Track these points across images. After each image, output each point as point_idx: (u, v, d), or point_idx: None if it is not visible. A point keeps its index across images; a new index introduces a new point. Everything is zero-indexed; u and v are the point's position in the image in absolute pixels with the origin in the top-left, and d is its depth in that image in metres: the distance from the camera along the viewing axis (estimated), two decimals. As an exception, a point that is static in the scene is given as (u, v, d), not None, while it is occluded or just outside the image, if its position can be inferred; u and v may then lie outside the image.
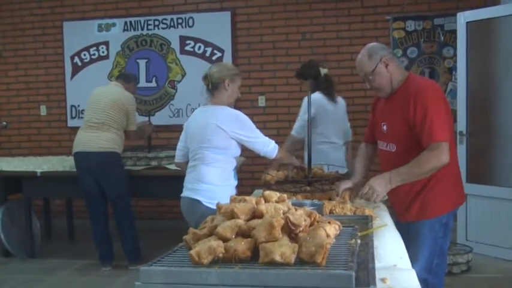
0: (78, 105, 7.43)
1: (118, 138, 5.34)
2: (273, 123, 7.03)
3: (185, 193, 3.54)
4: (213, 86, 3.49)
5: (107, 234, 5.47)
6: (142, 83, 7.14)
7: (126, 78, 5.66)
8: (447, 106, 3.02)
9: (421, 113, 2.88)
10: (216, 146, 3.39)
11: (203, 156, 3.45)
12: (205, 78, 3.51)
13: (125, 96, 5.42)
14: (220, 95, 3.50)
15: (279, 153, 3.54)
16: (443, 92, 3.17)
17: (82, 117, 7.29)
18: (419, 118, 2.88)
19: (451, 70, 6.46)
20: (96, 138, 5.27)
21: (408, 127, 2.95)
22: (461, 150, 5.83)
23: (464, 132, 5.82)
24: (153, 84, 7.31)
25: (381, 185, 2.84)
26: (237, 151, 3.49)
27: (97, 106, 5.37)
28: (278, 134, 6.98)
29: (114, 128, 5.31)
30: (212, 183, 3.42)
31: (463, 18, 5.82)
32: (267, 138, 3.52)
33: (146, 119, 6.16)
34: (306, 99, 4.06)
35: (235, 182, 3.56)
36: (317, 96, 4.64)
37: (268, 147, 3.49)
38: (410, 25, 6.57)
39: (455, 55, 6.21)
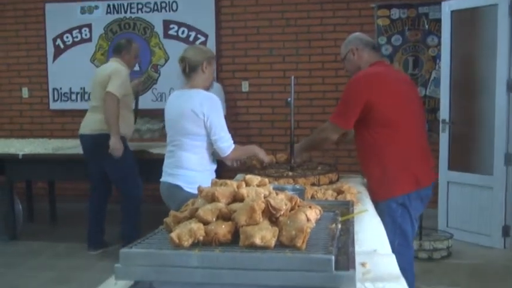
0: (61, 88, 7.36)
1: None
2: (256, 108, 7.03)
3: (165, 178, 3.51)
4: (190, 69, 3.42)
5: (102, 218, 5.43)
6: (126, 66, 7.09)
7: (116, 50, 5.31)
8: (364, 96, 3.17)
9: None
10: (193, 132, 3.35)
11: (181, 144, 3.42)
12: (182, 60, 3.43)
13: (112, 68, 5.07)
14: (197, 78, 3.43)
15: (232, 153, 3.41)
16: (367, 85, 3.21)
17: (64, 100, 7.30)
18: None
19: (435, 58, 6.48)
20: (88, 120, 5.21)
21: None
22: (444, 138, 5.88)
23: (447, 120, 5.86)
24: (136, 68, 7.23)
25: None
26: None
27: (92, 87, 5.28)
28: (261, 120, 7.02)
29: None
30: (192, 169, 3.40)
31: (448, 7, 5.84)
32: (228, 134, 3.41)
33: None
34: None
35: (214, 166, 3.53)
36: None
37: (225, 142, 3.37)
38: (395, 13, 6.57)
39: (439, 44, 6.22)
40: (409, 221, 3.23)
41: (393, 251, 3.00)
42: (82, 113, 5.44)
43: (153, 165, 5.17)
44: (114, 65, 5.12)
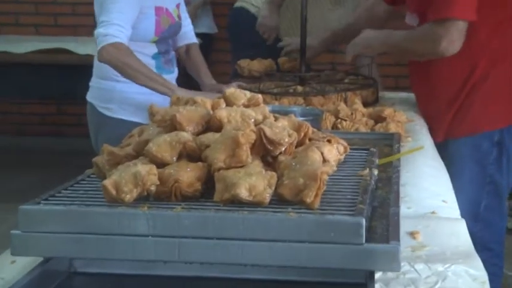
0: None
1: None
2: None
3: None
4: None
5: None
6: None
7: None
8: None
9: None
10: None
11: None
12: None
13: None
14: None
15: (106, 53, 3.20)
16: None
17: None
18: None
19: None
20: None
21: None
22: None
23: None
24: None
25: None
26: (146, 31, 3.44)
27: None
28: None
29: None
30: (102, 76, 3.45)
31: None
32: (115, 20, 3.25)
33: None
34: None
35: (166, 76, 3.46)
36: None
37: (98, 27, 3.27)
38: None
39: None
40: (505, 169, 3.18)
41: (476, 219, 3.02)
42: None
43: (78, 74, 5.17)
44: None
